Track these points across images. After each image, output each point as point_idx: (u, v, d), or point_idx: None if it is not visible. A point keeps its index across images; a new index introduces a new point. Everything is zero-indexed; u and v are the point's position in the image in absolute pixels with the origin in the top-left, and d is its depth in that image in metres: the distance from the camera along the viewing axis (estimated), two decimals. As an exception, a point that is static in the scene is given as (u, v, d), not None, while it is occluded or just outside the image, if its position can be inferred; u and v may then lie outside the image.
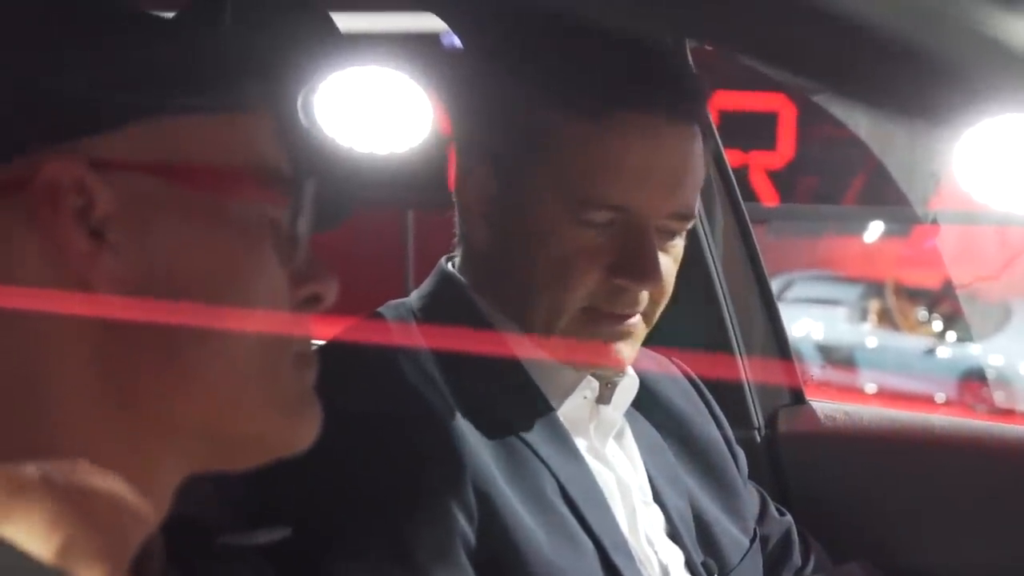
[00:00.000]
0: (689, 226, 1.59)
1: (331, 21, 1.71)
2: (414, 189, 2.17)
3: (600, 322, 1.55)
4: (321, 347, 1.62)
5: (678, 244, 1.59)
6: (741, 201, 2.29)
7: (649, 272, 1.54)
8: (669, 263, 1.58)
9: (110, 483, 0.88)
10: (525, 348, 1.58)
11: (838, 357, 9.72)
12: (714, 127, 1.66)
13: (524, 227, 1.55)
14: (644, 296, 1.56)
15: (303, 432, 0.95)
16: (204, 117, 0.91)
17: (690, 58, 2.00)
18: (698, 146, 1.57)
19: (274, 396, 0.93)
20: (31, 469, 0.85)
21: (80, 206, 0.86)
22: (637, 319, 1.57)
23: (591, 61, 1.53)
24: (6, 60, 0.87)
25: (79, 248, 0.86)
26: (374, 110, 1.88)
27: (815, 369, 9.31)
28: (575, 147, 1.52)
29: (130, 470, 0.89)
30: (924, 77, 0.76)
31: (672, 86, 1.56)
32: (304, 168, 0.95)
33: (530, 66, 1.56)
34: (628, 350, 1.58)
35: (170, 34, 0.93)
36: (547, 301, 1.55)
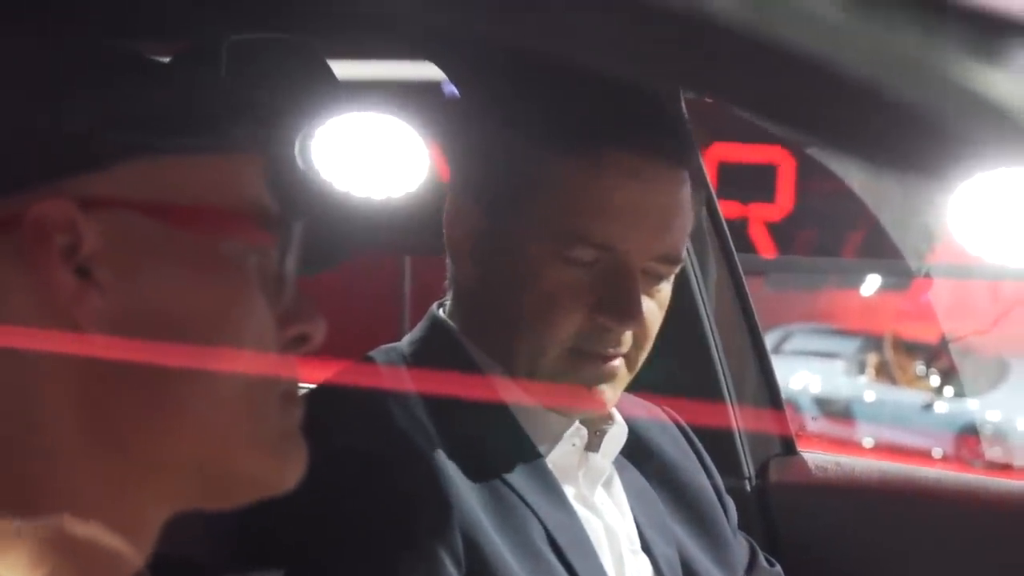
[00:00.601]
0: (676, 271, 1.60)
1: (327, 66, 1.73)
2: (410, 234, 2.18)
3: (583, 363, 1.56)
4: (312, 390, 1.62)
5: (664, 289, 1.59)
6: (734, 251, 2.30)
7: (632, 312, 1.54)
8: (654, 307, 1.58)
9: (92, 523, 0.88)
10: (513, 393, 1.59)
11: (835, 410, 9.69)
12: (706, 175, 1.67)
13: (510, 265, 1.56)
14: (627, 337, 1.56)
15: (289, 472, 0.95)
16: (192, 158, 0.91)
17: (683, 105, 2.01)
18: (686, 191, 1.58)
19: (261, 436, 0.93)
20: (12, 510, 0.86)
21: (68, 245, 0.86)
22: (620, 362, 1.57)
23: (582, 100, 1.54)
24: (9, 102, 0.87)
25: (66, 287, 0.86)
26: (371, 155, 1.89)
27: (812, 422, 9.29)
28: (563, 185, 1.53)
29: (115, 509, 0.89)
30: (914, 131, 0.76)
31: (662, 129, 1.58)
32: (293, 209, 0.96)
33: (520, 104, 1.58)
34: (611, 393, 1.58)
35: (162, 76, 0.94)
36: (531, 340, 1.55)
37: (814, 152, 2.45)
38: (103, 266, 0.87)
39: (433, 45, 1.97)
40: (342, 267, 1.81)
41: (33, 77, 0.89)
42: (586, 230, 1.53)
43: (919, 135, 0.76)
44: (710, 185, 2.10)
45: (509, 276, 1.56)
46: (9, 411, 0.87)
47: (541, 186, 1.54)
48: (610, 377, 1.57)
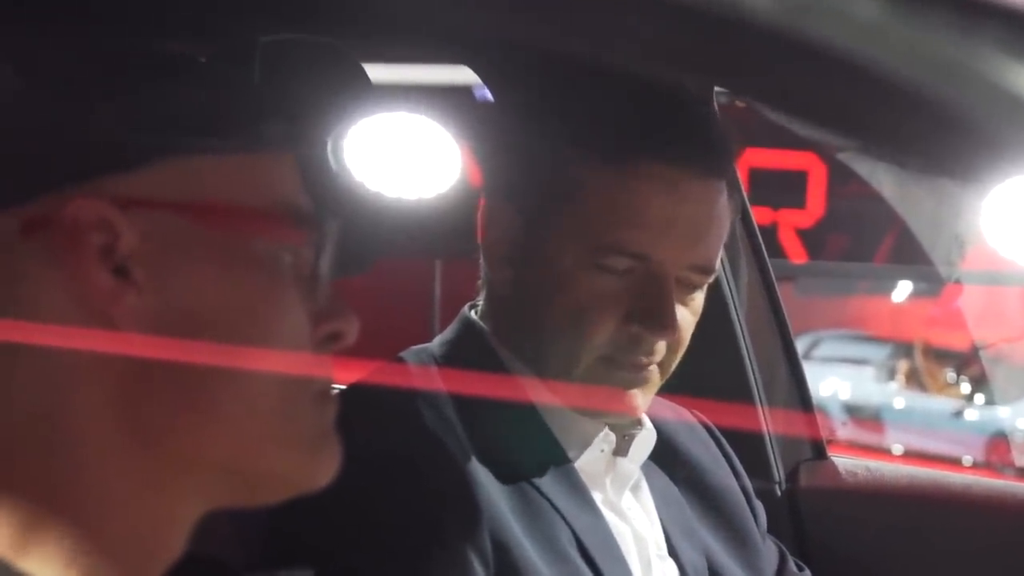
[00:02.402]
0: (710, 280, 1.59)
1: (360, 67, 1.73)
2: (442, 236, 2.18)
3: (616, 371, 1.56)
4: (343, 391, 1.62)
5: (697, 297, 1.59)
6: (766, 255, 2.30)
7: (666, 323, 1.54)
8: (687, 315, 1.58)
9: (127, 520, 0.89)
10: (543, 396, 1.59)
11: (865, 417, 9.67)
12: (741, 182, 1.66)
13: (544, 271, 1.56)
14: (661, 346, 1.56)
15: (323, 469, 0.95)
16: (225, 158, 0.92)
17: (719, 114, 2.00)
18: (723, 200, 1.58)
19: (294, 433, 0.93)
20: (45, 507, 0.86)
21: (104, 244, 0.86)
22: (653, 368, 1.57)
23: (620, 110, 1.54)
24: (34, 100, 0.88)
25: (102, 286, 0.86)
26: (403, 156, 1.89)
27: (841, 429, 9.26)
28: (599, 193, 1.53)
29: (148, 507, 0.90)
30: (949, 132, 0.76)
31: (700, 140, 1.57)
32: (327, 207, 0.96)
33: (559, 111, 1.58)
34: (642, 398, 1.58)
35: (196, 76, 0.94)
36: (564, 347, 1.55)
37: (844, 158, 2.45)
38: (139, 265, 0.87)
39: (470, 49, 1.98)
40: (374, 271, 1.81)
41: (68, 78, 0.89)
42: (621, 240, 1.53)
43: (954, 136, 0.76)
44: (744, 192, 2.09)
45: (543, 282, 1.56)
46: (43, 410, 0.87)
47: (578, 194, 1.54)
48: (643, 383, 1.57)
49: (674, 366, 1.60)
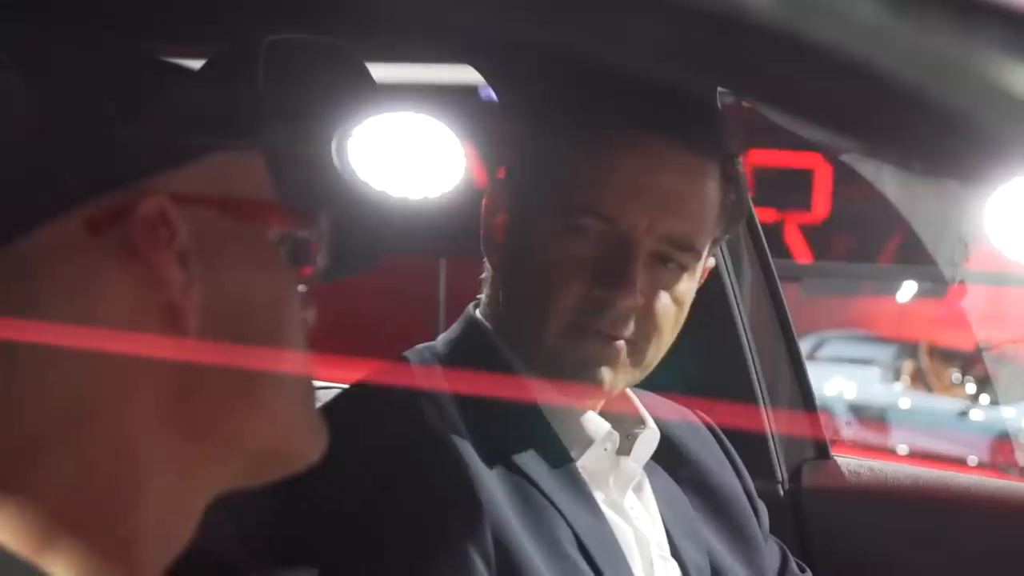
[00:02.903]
0: (693, 260, 1.59)
1: (363, 67, 1.73)
2: (445, 236, 2.18)
3: (583, 339, 1.55)
4: (347, 389, 1.63)
5: (682, 282, 1.58)
6: (769, 254, 2.30)
7: (625, 284, 1.53)
8: (666, 298, 1.57)
9: (156, 512, 0.90)
10: (547, 395, 1.59)
11: (870, 417, 9.66)
12: (744, 177, 1.66)
13: (524, 241, 1.58)
14: (627, 315, 1.55)
15: (322, 446, 0.98)
16: (245, 155, 0.95)
17: (718, 98, 2.00)
18: (708, 179, 1.58)
19: (308, 414, 0.97)
20: (78, 503, 0.87)
21: (168, 239, 0.88)
22: (622, 345, 1.56)
23: (608, 83, 1.55)
24: (88, 102, 0.89)
25: (176, 279, 0.88)
26: (407, 155, 1.89)
27: (846, 429, 9.26)
28: (578, 161, 1.56)
29: (179, 497, 0.91)
30: (951, 134, 0.76)
31: (685, 114, 1.58)
32: (331, 205, 0.98)
33: (545, 88, 1.61)
34: (609, 375, 1.57)
35: (215, 78, 0.97)
36: (535, 313, 1.56)
37: (848, 159, 2.44)
38: (195, 259, 0.89)
39: (467, 45, 1.98)
40: (379, 271, 1.81)
41: (118, 80, 0.91)
42: (591, 200, 1.55)
43: (957, 138, 0.76)
44: (747, 188, 2.09)
45: (522, 252, 1.59)
46: (88, 407, 0.87)
47: (557, 163, 1.58)
48: (610, 359, 1.56)
49: (650, 354, 1.59)
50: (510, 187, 1.63)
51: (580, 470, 1.60)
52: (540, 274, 1.56)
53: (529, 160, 1.61)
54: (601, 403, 1.63)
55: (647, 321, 1.56)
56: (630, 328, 1.56)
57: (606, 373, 1.57)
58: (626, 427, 1.63)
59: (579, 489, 1.59)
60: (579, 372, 1.57)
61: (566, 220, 1.55)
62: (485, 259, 1.66)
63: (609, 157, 1.55)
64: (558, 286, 1.55)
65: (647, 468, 1.68)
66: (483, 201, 1.65)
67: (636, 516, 1.65)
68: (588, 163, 1.56)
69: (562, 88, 1.62)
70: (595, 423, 1.61)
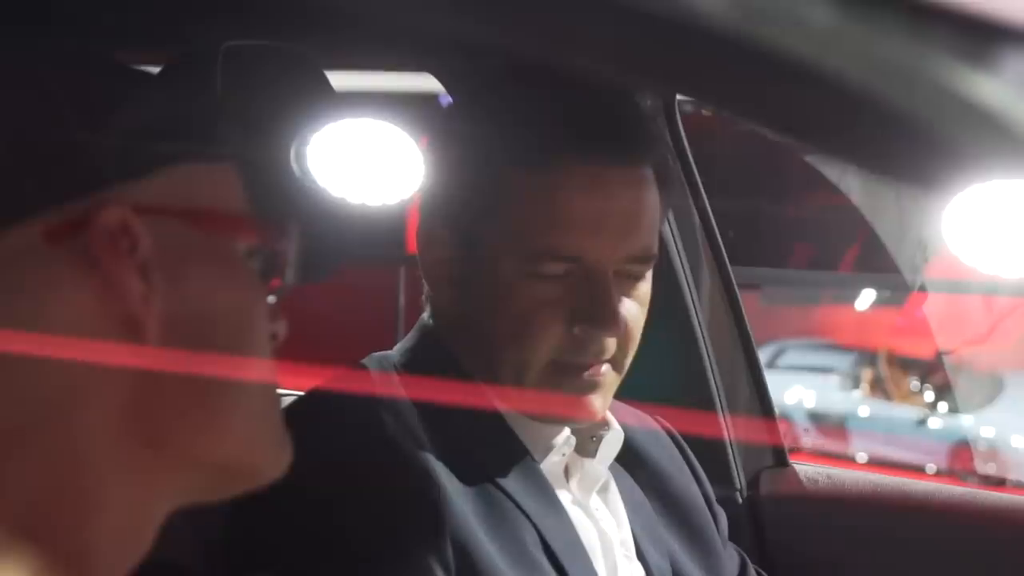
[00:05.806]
0: (650, 267, 1.59)
1: (322, 73, 1.73)
2: (405, 242, 2.18)
3: (568, 374, 1.56)
4: (303, 396, 1.62)
5: (642, 287, 1.59)
6: (727, 261, 2.30)
7: (609, 320, 1.54)
8: (633, 307, 1.58)
9: (115, 522, 0.89)
10: (505, 399, 1.59)
11: (830, 425, 9.68)
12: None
13: (485, 286, 1.56)
14: (610, 344, 1.56)
15: (286, 461, 0.97)
16: (207, 165, 0.94)
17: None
18: (650, 188, 1.58)
19: (275, 429, 0.96)
20: (34, 515, 0.86)
21: (129, 249, 0.88)
22: (606, 368, 1.57)
23: (536, 115, 1.55)
24: (49, 110, 0.89)
25: (136, 290, 0.88)
26: (367, 162, 1.89)
27: (805, 437, 9.28)
28: (524, 201, 1.54)
29: (138, 507, 0.91)
30: (906, 139, 0.76)
31: (616, 132, 1.58)
32: (290, 213, 0.97)
33: (481, 123, 1.59)
34: (599, 401, 1.58)
35: (174, 87, 0.96)
36: (513, 357, 1.55)
37: (812, 160, 2.45)
38: (156, 270, 0.89)
39: (427, 53, 1.98)
40: (337, 275, 1.81)
41: (78, 88, 0.91)
42: (552, 245, 1.53)
43: (911, 143, 0.76)
44: (701, 188, 2.09)
45: (485, 296, 1.56)
46: (48, 416, 0.87)
47: (503, 206, 1.55)
48: (597, 386, 1.57)
49: (628, 362, 1.60)
50: (450, 226, 1.59)
51: (543, 471, 1.60)
52: (511, 320, 1.55)
53: (467, 198, 1.57)
54: None
55: (624, 338, 1.57)
56: (611, 351, 1.57)
57: (595, 400, 1.58)
58: (591, 429, 1.63)
59: (542, 490, 1.59)
60: (569, 405, 1.57)
61: (530, 267, 1.54)
62: (425, 284, 1.64)
63: (556, 194, 1.54)
64: (534, 331, 1.54)
65: (612, 470, 1.68)
66: (417, 233, 1.62)
67: (601, 517, 1.65)
68: (537, 203, 1.54)
69: (487, 117, 1.60)
70: (552, 428, 1.61)
